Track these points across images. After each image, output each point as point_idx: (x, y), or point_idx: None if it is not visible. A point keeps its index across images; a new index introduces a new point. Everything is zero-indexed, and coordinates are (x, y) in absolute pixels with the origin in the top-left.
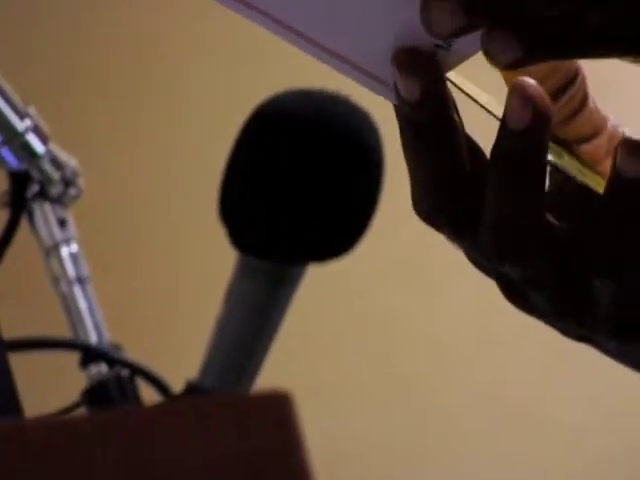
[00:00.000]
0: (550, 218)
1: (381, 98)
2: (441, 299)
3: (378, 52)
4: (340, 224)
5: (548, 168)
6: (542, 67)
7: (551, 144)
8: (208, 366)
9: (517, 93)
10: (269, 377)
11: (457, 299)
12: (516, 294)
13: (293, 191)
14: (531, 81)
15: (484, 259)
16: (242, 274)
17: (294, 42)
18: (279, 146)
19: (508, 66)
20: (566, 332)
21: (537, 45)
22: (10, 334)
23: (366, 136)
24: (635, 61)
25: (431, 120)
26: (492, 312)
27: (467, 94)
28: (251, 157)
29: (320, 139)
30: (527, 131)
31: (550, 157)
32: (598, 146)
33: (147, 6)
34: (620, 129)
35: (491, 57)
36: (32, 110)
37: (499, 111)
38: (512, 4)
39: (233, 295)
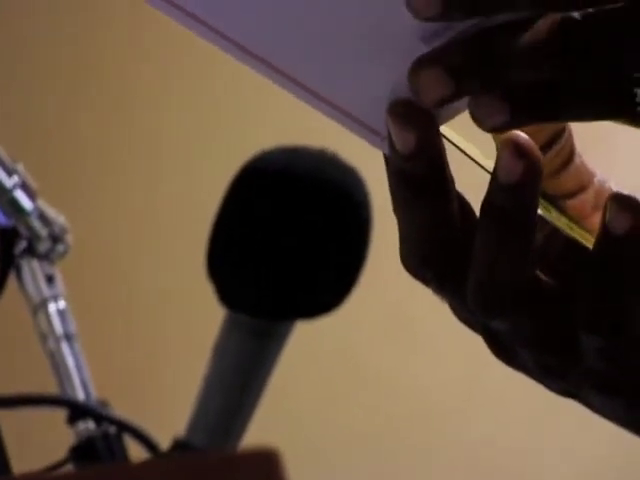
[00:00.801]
0: (537, 273)
1: (368, 155)
2: (429, 354)
3: (372, 102)
4: (328, 281)
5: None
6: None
7: (540, 200)
8: (196, 423)
9: (508, 146)
10: (257, 433)
11: (445, 354)
12: (502, 349)
13: (280, 248)
14: (522, 135)
15: (470, 314)
16: (229, 330)
17: (286, 86)
18: (266, 204)
19: (495, 130)
20: (551, 387)
21: (523, 110)
22: None
23: (355, 193)
24: (624, 123)
25: (424, 173)
26: (480, 367)
27: (458, 147)
28: (238, 214)
29: (308, 196)
30: (518, 185)
31: (540, 212)
32: (585, 201)
33: (139, 68)
34: (607, 184)
35: (478, 121)
36: (20, 167)
37: (489, 165)
38: (498, 71)
39: (220, 351)
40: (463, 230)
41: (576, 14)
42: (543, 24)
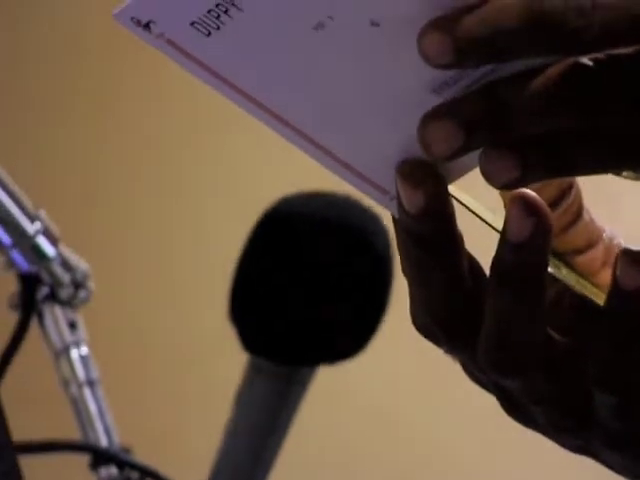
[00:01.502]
0: (549, 331)
1: None
2: (447, 406)
3: (381, 161)
4: (351, 327)
5: None
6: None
7: (549, 258)
8: (219, 469)
9: (517, 204)
10: (279, 478)
11: (462, 406)
12: (515, 407)
13: (303, 295)
14: (531, 192)
15: (482, 373)
16: (252, 375)
17: (298, 144)
18: (289, 250)
19: (505, 186)
20: (564, 444)
21: (534, 166)
22: (20, 437)
23: (377, 240)
24: (632, 177)
25: (434, 233)
26: (496, 420)
27: (467, 207)
28: (260, 261)
29: (330, 243)
30: (527, 243)
31: (550, 269)
32: (594, 258)
33: (158, 120)
34: (616, 240)
35: (488, 177)
36: (42, 213)
37: (499, 225)
38: (509, 122)
39: (243, 397)
40: (473, 290)
41: (587, 60)
42: (553, 72)
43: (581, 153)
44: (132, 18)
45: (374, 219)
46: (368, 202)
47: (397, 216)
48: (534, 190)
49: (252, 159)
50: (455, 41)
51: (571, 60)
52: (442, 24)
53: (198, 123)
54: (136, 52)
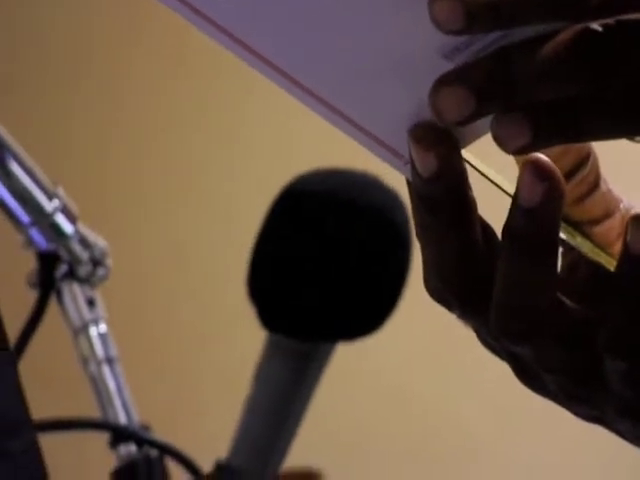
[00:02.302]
0: (562, 297)
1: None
2: (463, 380)
3: (396, 125)
4: (370, 303)
5: (560, 248)
6: (553, 149)
7: (563, 224)
8: (238, 446)
9: (529, 169)
10: (299, 455)
11: (479, 380)
12: (527, 374)
13: (322, 270)
14: (543, 157)
15: (494, 339)
16: (271, 352)
17: (312, 107)
18: (307, 225)
19: (517, 151)
20: (577, 412)
21: (546, 131)
22: (39, 415)
23: (395, 216)
24: None
25: (446, 196)
26: (514, 394)
27: (480, 171)
28: (278, 237)
29: (348, 219)
30: (539, 208)
31: (563, 236)
32: (610, 228)
33: (174, 97)
34: (633, 211)
35: (500, 142)
36: (60, 190)
37: (511, 190)
38: (519, 89)
39: (262, 374)
40: (485, 254)
41: (597, 25)
42: (563, 37)
43: (593, 118)
44: None
45: (392, 196)
46: (386, 179)
47: (411, 180)
48: (551, 158)
49: (269, 136)
50: (466, 6)
51: (581, 26)
52: None
53: (213, 102)
54: (151, 31)
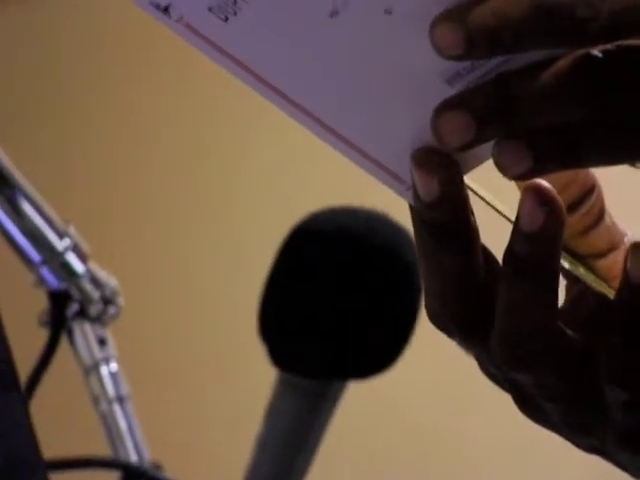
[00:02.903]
0: (563, 327)
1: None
2: (474, 417)
3: (398, 150)
4: (380, 341)
5: (564, 283)
6: (558, 179)
7: (567, 256)
8: None
9: (530, 195)
10: None
11: (490, 417)
12: (528, 404)
13: (333, 309)
14: (544, 183)
15: (495, 367)
16: (282, 391)
17: (316, 132)
18: (318, 264)
19: (518, 177)
20: (578, 443)
21: (547, 157)
22: (51, 453)
23: (405, 254)
24: None
25: (448, 221)
26: (526, 431)
27: (481, 197)
28: (288, 276)
29: (358, 258)
30: (540, 233)
31: (567, 265)
32: (614, 261)
33: (195, 127)
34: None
35: (501, 168)
36: (71, 229)
37: (512, 216)
38: (519, 115)
39: (273, 412)
40: (487, 281)
41: (597, 51)
42: (563, 63)
43: (593, 144)
44: (151, 2)
45: (402, 234)
46: (395, 216)
47: (413, 205)
48: (555, 190)
49: (281, 173)
50: (466, 33)
51: (581, 52)
52: (453, 16)
53: (225, 136)
54: (157, 65)
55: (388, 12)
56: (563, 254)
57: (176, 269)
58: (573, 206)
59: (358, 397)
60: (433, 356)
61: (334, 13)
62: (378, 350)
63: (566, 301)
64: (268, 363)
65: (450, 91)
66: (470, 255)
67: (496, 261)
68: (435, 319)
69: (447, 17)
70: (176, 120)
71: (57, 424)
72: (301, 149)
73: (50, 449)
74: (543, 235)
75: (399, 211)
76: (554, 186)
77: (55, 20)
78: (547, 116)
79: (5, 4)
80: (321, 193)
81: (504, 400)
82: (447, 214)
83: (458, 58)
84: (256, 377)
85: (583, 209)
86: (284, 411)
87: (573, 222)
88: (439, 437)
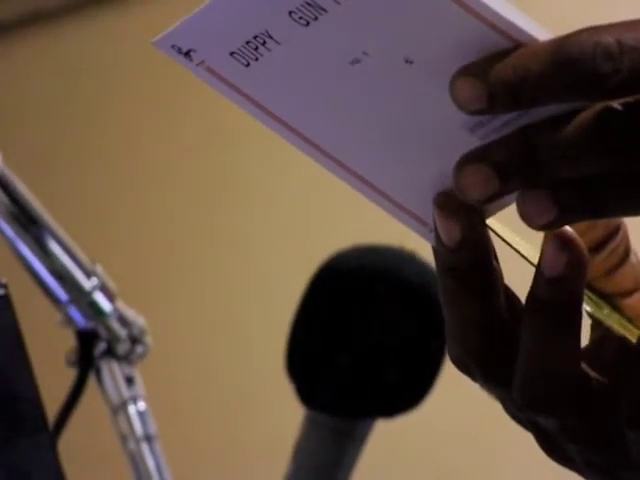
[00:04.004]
0: (586, 369)
1: None
2: (502, 458)
3: (420, 193)
4: (409, 380)
5: (589, 322)
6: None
7: (592, 296)
8: None
9: (552, 240)
10: None
11: (520, 459)
12: (551, 445)
13: (359, 348)
14: (567, 228)
15: (518, 409)
16: (309, 429)
17: (339, 174)
18: (344, 304)
19: (543, 228)
20: None
21: (571, 208)
22: None
23: (433, 292)
24: None
25: (470, 265)
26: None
27: (504, 240)
28: (316, 315)
29: (386, 296)
30: (562, 278)
31: (589, 309)
32: None
33: (216, 163)
34: None
35: (526, 219)
36: (99, 268)
37: (536, 257)
38: (542, 168)
39: (301, 451)
40: (509, 323)
41: (617, 104)
42: (584, 117)
43: (616, 195)
44: (173, 46)
45: (430, 271)
46: (424, 254)
47: (435, 248)
48: (580, 231)
49: (307, 210)
50: (487, 88)
51: (602, 105)
52: (474, 70)
53: (251, 172)
54: (184, 100)
55: (409, 61)
56: (588, 294)
57: (203, 307)
58: (598, 247)
59: (386, 436)
60: (460, 395)
61: (355, 61)
62: (405, 389)
63: (590, 341)
64: (295, 401)
65: (472, 138)
66: (492, 298)
67: (519, 303)
68: (457, 362)
69: (468, 72)
70: (202, 152)
71: (85, 464)
72: (327, 186)
73: None
74: (565, 279)
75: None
76: (578, 227)
77: (75, 51)
78: (570, 169)
79: (23, 31)
80: (348, 231)
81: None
82: (469, 258)
83: (479, 113)
84: (284, 416)
85: (608, 249)
86: (312, 450)
87: (598, 262)
88: (467, 476)
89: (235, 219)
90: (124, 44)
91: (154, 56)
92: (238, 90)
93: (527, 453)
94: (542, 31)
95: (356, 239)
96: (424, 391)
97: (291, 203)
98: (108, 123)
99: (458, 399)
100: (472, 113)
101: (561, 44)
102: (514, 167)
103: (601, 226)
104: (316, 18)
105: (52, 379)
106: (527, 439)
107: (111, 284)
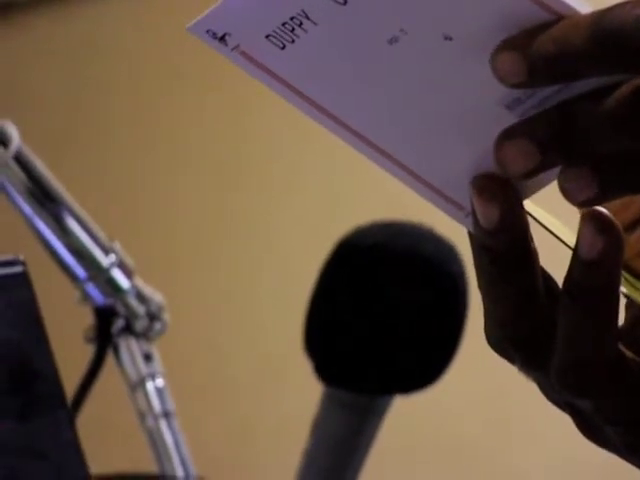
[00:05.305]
0: (624, 350)
1: (464, 229)
2: (517, 427)
3: (456, 176)
4: (427, 356)
5: (624, 301)
6: (615, 201)
7: (627, 275)
8: None
9: (588, 223)
10: None
11: (533, 428)
12: (589, 427)
13: (378, 324)
14: (603, 210)
15: (556, 392)
16: (327, 406)
17: (374, 158)
18: (362, 280)
19: (584, 204)
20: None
21: (613, 183)
22: (98, 469)
23: (452, 268)
24: None
25: (508, 248)
26: (570, 441)
27: (541, 223)
28: (334, 291)
29: (404, 272)
30: (598, 261)
31: (624, 289)
32: None
33: (236, 143)
34: None
35: (567, 195)
36: (116, 245)
37: (572, 240)
38: (582, 142)
39: (319, 427)
40: (547, 306)
41: None
42: (625, 90)
43: None
44: (208, 31)
45: (448, 247)
46: (442, 231)
47: (473, 232)
48: (614, 210)
49: (327, 187)
50: (527, 60)
51: None
52: (515, 44)
53: (274, 150)
54: (200, 79)
55: (448, 38)
56: (623, 274)
57: (220, 285)
58: (631, 226)
59: (404, 411)
60: (479, 371)
61: (393, 40)
62: (424, 364)
63: (625, 320)
64: (313, 378)
65: (509, 116)
66: (530, 281)
67: (556, 286)
68: (495, 345)
69: (508, 46)
70: (219, 129)
71: (103, 440)
72: (349, 163)
73: (97, 464)
74: (602, 262)
75: (446, 224)
76: (612, 207)
77: (92, 28)
78: (611, 143)
79: (37, 19)
80: (367, 207)
81: (554, 415)
82: (507, 240)
83: (520, 86)
84: (301, 392)
85: None
86: (330, 426)
87: (632, 242)
88: (480, 448)
89: (252, 198)
90: (141, 20)
91: (172, 34)
92: (273, 74)
93: (544, 429)
94: (583, 3)
95: (376, 215)
96: (442, 368)
97: (311, 178)
98: (125, 102)
99: (473, 376)
100: (513, 87)
101: (602, 17)
102: (555, 141)
103: (636, 205)
104: None
105: (70, 356)
106: (546, 416)
107: (129, 261)
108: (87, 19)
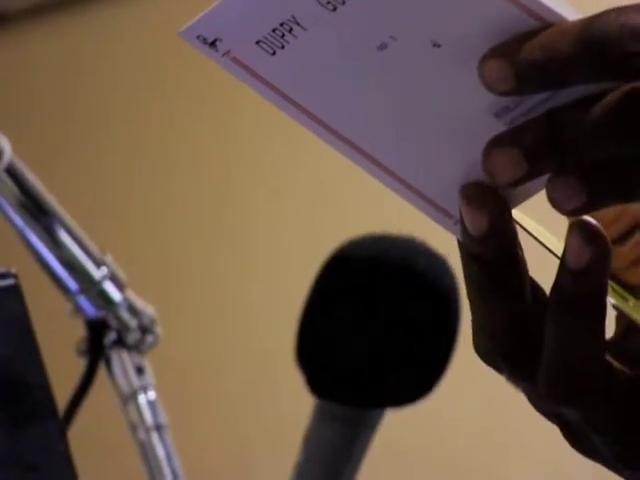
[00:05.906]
0: (611, 361)
1: (456, 242)
2: (510, 440)
3: (445, 184)
4: (419, 369)
5: (614, 314)
6: (608, 211)
7: (617, 287)
8: None
9: (576, 232)
10: None
11: (526, 440)
12: (576, 437)
13: (372, 337)
14: (591, 220)
15: (543, 402)
16: (319, 419)
17: (363, 165)
18: (354, 293)
19: (572, 213)
20: (627, 477)
21: (601, 191)
22: None
23: (443, 280)
24: None
25: (496, 256)
26: (568, 464)
27: (529, 232)
28: (326, 304)
29: (396, 286)
30: (586, 271)
31: (614, 301)
32: None
33: (228, 161)
34: None
35: (556, 204)
36: (109, 258)
37: (560, 249)
38: (575, 150)
39: (311, 440)
40: (535, 315)
41: None
42: (611, 98)
43: None
44: (198, 36)
45: (440, 260)
46: (434, 244)
47: (461, 240)
48: (605, 221)
49: (320, 199)
50: (515, 67)
51: (629, 86)
52: (502, 51)
53: (266, 159)
54: (190, 91)
55: (436, 45)
56: (613, 286)
57: (212, 297)
58: (623, 237)
59: (395, 425)
60: (471, 383)
61: (382, 46)
62: (415, 378)
63: (615, 332)
64: (305, 391)
65: (498, 124)
66: (518, 289)
67: (544, 294)
68: (484, 355)
69: (496, 53)
70: (210, 139)
71: (95, 453)
72: (342, 174)
73: (88, 477)
74: (589, 272)
75: (438, 237)
76: (604, 218)
77: (82, 41)
78: (599, 151)
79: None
80: (360, 220)
81: (549, 432)
82: (495, 248)
83: (507, 93)
84: (293, 405)
85: (633, 240)
86: (322, 439)
87: (623, 253)
88: (479, 473)
89: (245, 208)
90: (133, 30)
91: (162, 44)
92: (263, 80)
93: (537, 442)
94: (570, 11)
95: (369, 228)
96: (434, 381)
97: (300, 193)
98: (117, 114)
99: (466, 389)
100: (501, 94)
101: (589, 24)
102: (543, 149)
103: (627, 217)
104: (344, 2)
105: (62, 368)
106: (538, 428)
107: (121, 274)
108: (80, 32)
